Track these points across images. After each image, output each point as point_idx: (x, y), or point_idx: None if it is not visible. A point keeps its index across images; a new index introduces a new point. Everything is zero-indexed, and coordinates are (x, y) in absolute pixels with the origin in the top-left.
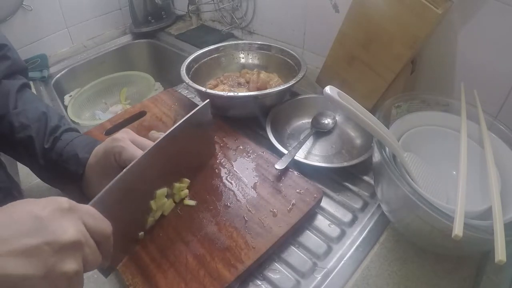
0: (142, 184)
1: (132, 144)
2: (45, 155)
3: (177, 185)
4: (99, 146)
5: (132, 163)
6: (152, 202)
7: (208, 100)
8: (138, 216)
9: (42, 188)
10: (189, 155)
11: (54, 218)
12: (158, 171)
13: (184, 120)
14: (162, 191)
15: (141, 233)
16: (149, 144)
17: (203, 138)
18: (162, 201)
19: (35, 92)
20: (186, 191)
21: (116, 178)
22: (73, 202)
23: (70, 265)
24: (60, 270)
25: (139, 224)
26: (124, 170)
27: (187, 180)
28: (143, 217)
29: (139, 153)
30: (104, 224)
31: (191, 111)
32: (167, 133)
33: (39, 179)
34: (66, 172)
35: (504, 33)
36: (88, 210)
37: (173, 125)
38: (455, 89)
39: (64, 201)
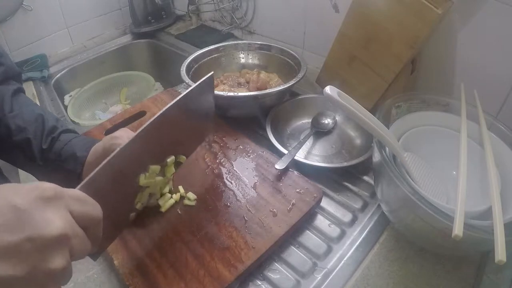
0: (134, 164)
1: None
2: (43, 156)
3: (169, 159)
4: (98, 144)
5: (126, 143)
6: (141, 176)
7: (212, 72)
8: (129, 196)
9: None
10: (186, 132)
11: (36, 209)
12: (152, 150)
13: (183, 96)
14: (155, 167)
15: (132, 214)
16: None
17: (202, 114)
18: (153, 178)
19: (35, 92)
20: (181, 189)
21: (107, 158)
22: (59, 188)
23: (57, 261)
24: (45, 268)
25: (130, 205)
26: (117, 150)
27: (183, 157)
28: (134, 197)
29: None
30: (93, 209)
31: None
32: (163, 110)
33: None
34: (64, 172)
35: (504, 33)
36: (76, 194)
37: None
38: (455, 89)
39: (47, 188)
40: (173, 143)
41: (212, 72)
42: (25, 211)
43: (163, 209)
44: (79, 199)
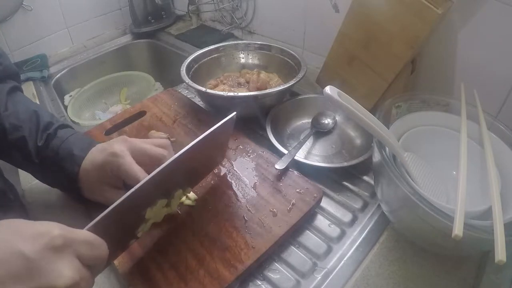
0: (143, 201)
1: (131, 159)
2: (39, 154)
3: (177, 193)
4: (98, 155)
5: (136, 186)
6: (148, 210)
7: (235, 113)
8: (132, 226)
9: (42, 188)
10: (198, 166)
11: (45, 259)
12: (163, 186)
13: (203, 137)
14: (162, 201)
15: (133, 240)
16: (149, 148)
17: (216, 150)
18: (159, 210)
19: (35, 92)
20: (184, 198)
21: (116, 203)
22: (68, 233)
23: None
24: None
25: (132, 233)
26: (127, 194)
27: (189, 189)
28: (137, 226)
29: (136, 170)
30: (100, 250)
31: (195, 110)
32: (181, 152)
33: None
34: (62, 171)
35: (504, 33)
36: (85, 238)
37: (173, 123)
38: (455, 89)
39: (57, 236)
40: (183, 178)
41: (235, 113)
42: (34, 261)
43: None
44: (88, 243)
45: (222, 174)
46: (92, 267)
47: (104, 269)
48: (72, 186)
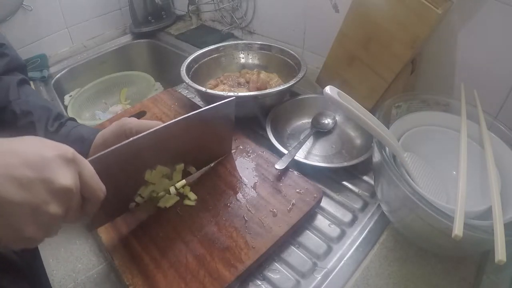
0: (145, 157)
1: (139, 120)
2: (48, 137)
3: (178, 166)
4: (105, 129)
5: (147, 132)
6: (147, 171)
7: (234, 97)
8: (133, 186)
9: None
10: (201, 146)
11: (56, 161)
12: (165, 151)
13: (206, 109)
14: (162, 168)
15: (132, 204)
16: (154, 123)
17: (220, 134)
18: (158, 177)
19: None
20: (188, 188)
21: (124, 142)
22: (77, 154)
23: (55, 208)
24: (45, 209)
25: (132, 194)
26: (134, 137)
27: (193, 168)
28: (137, 189)
29: (148, 123)
30: (97, 186)
31: (195, 110)
32: (186, 115)
33: None
34: None
35: (504, 33)
36: (89, 166)
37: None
38: (455, 89)
39: (69, 151)
40: (186, 153)
41: (234, 97)
42: (47, 160)
43: (167, 205)
44: (92, 171)
45: (222, 174)
46: (87, 200)
47: (96, 208)
48: None
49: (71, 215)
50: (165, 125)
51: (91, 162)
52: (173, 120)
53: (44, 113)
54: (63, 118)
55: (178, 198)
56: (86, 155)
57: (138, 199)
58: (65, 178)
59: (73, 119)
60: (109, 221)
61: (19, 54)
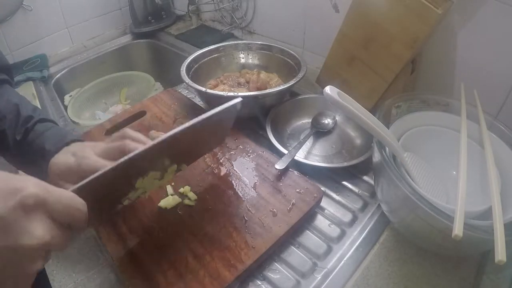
0: (136, 169)
1: (95, 157)
2: (17, 148)
3: (171, 168)
4: (68, 156)
5: (131, 155)
6: (139, 180)
7: (240, 99)
8: (121, 193)
9: None
10: (195, 146)
11: (17, 218)
12: (161, 157)
13: (210, 115)
14: (154, 173)
15: (119, 206)
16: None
17: (219, 132)
18: (150, 182)
19: (35, 92)
20: (188, 188)
21: (107, 168)
22: (41, 192)
23: (33, 266)
24: (21, 271)
25: (119, 199)
26: (120, 161)
27: (184, 166)
28: (126, 193)
29: (100, 163)
30: (78, 211)
31: (195, 110)
32: (179, 129)
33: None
34: (35, 165)
35: (504, 33)
36: (60, 197)
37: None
38: (455, 89)
39: (29, 195)
40: (179, 154)
41: (240, 99)
42: (5, 219)
43: (167, 207)
44: (63, 202)
45: (222, 174)
46: (70, 226)
47: (85, 229)
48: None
49: (57, 249)
50: (163, 139)
51: (75, 191)
52: (175, 131)
53: (14, 118)
54: (31, 121)
55: (180, 200)
56: (46, 169)
57: (126, 202)
58: (33, 234)
59: (43, 120)
60: (98, 225)
61: (4, 56)
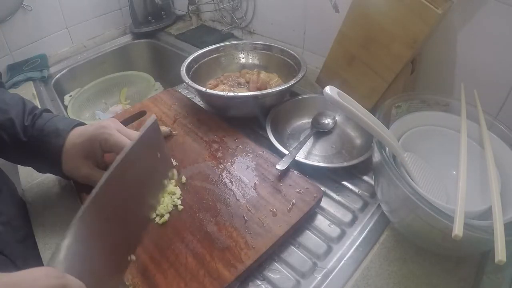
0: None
1: (118, 133)
2: (26, 132)
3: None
4: (86, 128)
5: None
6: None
7: (155, 116)
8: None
9: (42, 188)
10: (148, 173)
11: None
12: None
13: (136, 142)
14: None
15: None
16: (134, 134)
17: (160, 154)
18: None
19: (35, 92)
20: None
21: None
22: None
23: None
24: None
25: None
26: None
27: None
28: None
29: (124, 140)
30: None
31: (195, 110)
32: (119, 160)
33: (39, 179)
34: (47, 151)
35: (504, 33)
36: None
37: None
38: (455, 89)
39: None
40: (139, 185)
41: (155, 117)
42: None
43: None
44: None
45: (222, 174)
46: None
47: None
48: (55, 161)
49: None
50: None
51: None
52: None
53: (20, 108)
54: (37, 111)
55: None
56: (61, 148)
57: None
58: None
59: (48, 111)
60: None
61: None
